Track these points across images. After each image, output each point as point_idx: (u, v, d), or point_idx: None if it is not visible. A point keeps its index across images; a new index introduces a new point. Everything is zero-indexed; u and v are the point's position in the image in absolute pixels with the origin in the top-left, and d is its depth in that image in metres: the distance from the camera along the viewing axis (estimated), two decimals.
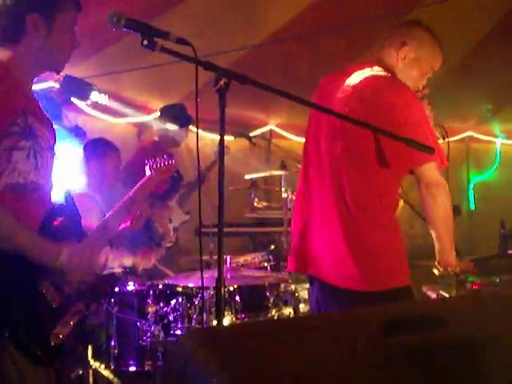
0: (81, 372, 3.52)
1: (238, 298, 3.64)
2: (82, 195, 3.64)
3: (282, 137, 6.83)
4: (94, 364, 3.52)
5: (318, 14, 5.08)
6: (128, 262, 3.86)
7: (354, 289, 2.51)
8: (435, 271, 2.60)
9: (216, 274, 1.87)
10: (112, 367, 3.60)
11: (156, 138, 5.26)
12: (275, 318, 3.71)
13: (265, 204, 5.89)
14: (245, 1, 5.05)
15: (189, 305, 3.61)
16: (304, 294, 4.27)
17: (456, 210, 2.86)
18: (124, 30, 1.90)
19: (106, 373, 3.56)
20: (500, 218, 3.67)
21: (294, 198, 3.78)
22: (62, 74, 4.70)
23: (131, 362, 3.65)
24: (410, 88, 2.68)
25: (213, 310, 3.49)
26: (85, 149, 4.19)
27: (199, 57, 1.89)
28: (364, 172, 2.58)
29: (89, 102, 5.00)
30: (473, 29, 5.63)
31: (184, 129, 5.16)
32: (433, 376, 0.96)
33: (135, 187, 2.74)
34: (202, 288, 3.44)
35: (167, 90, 5.64)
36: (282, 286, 3.89)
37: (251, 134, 5.74)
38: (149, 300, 3.62)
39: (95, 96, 4.86)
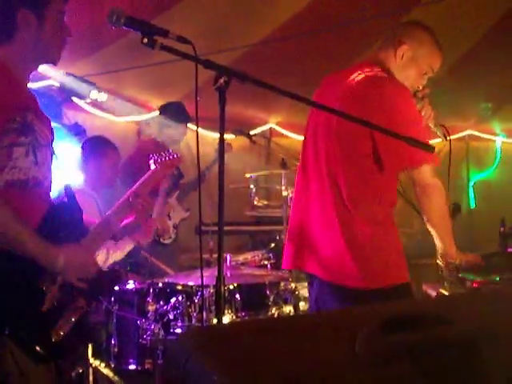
0: (81, 370, 3.53)
1: (237, 296, 3.64)
2: (80, 191, 3.64)
3: (282, 135, 6.83)
4: (94, 362, 3.53)
5: (318, 13, 5.07)
6: (130, 247, 3.85)
7: (352, 286, 2.52)
8: (438, 262, 2.70)
9: (216, 273, 1.87)
10: (112, 365, 3.60)
11: (155, 137, 5.26)
12: (275, 316, 3.71)
13: (265, 202, 5.89)
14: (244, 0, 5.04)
15: (189, 303, 3.61)
16: (304, 292, 4.27)
17: (456, 208, 2.88)
18: (124, 28, 1.90)
19: (106, 371, 3.56)
20: (500, 216, 3.67)
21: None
22: (62, 71, 4.71)
23: (131, 361, 3.65)
24: (409, 87, 2.69)
25: (213, 308, 3.49)
26: (83, 147, 4.19)
27: (199, 55, 1.89)
28: (360, 170, 2.60)
29: (88, 100, 5.01)
30: (472, 27, 5.62)
31: (183, 127, 5.15)
32: (432, 374, 0.96)
33: (139, 181, 2.74)
34: (202, 286, 3.44)
35: (167, 89, 5.63)
36: (282, 284, 3.89)
37: (251, 133, 5.73)
38: (149, 298, 3.62)
39: (95, 94, 4.86)
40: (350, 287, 2.52)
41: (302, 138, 2.95)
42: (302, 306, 4.10)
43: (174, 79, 5.23)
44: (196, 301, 3.60)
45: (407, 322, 1.04)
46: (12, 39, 2.14)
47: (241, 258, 4.74)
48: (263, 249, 5.18)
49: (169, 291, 3.68)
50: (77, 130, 4.70)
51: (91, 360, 3.50)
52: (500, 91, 6.54)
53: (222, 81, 1.87)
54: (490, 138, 7.81)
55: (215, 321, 2.13)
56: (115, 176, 4.30)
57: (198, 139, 1.99)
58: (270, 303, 3.75)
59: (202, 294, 3.55)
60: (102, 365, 3.58)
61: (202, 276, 2.20)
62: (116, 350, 3.62)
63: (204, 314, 3.56)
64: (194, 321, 3.58)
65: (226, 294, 3.58)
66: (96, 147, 4.19)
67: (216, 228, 1.89)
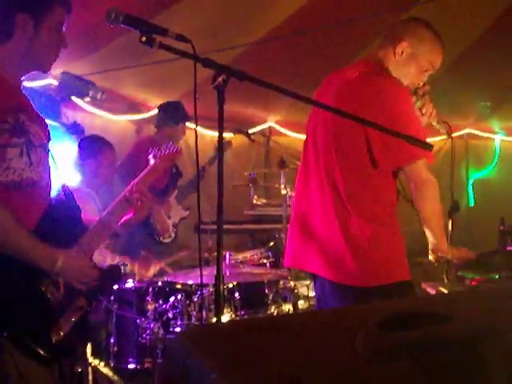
0: (80, 369, 3.52)
1: (237, 294, 3.64)
2: (78, 190, 3.63)
3: (281, 134, 6.83)
4: (94, 361, 3.52)
5: (318, 12, 5.07)
6: (128, 268, 3.87)
7: (353, 284, 2.52)
8: (430, 257, 2.68)
9: (215, 271, 1.87)
10: (112, 364, 3.61)
11: (154, 135, 5.25)
12: (274, 314, 3.72)
13: (264, 201, 5.89)
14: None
15: (188, 302, 3.62)
16: (303, 291, 4.28)
17: (455, 206, 2.88)
18: (122, 26, 1.89)
19: (106, 370, 3.56)
20: (499, 214, 3.67)
21: (293, 194, 3.79)
22: (61, 71, 4.71)
23: (131, 360, 3.65)
24: (409, 84, 2.68)
25: (212, 307, 3.49)
26: (79, 146, 4.18)
27: (198, 54, 1.88)
28: (357, 169, 2.60)
29: (87, 99, 5.00)
30: (472, 26, 5.62)
31: (181, 126, 5.15)
32: (432, 372, 0.96)
33: (139, 176, 2.73)
34: (201, 285, 3.44)
35: (166, 88, 5.63)
36: (281, 282, 3.90)
37: (250, 131, 5.73)
38: (148, 297, 3.62)
39: (94, 93, 4.86)
40: (350, 285, 2.53)
41: (301, 136, 2.96)
42: (301, 304, 4.11)
43: (173, 78, 5.23)
44: (195, 299, 3.60)
45: (407, 320, 1.04)
46: (7, 42, 2.13)
47: (240, 256, 4.74)
48: (262, 247, 5.18)
49: (168, 290, 3.68)
50: (76, 129, 4.69)
51: (90, 359, 3.49)
52: (499, 89, 6.54)
53: (220, 79, 1.86)
54: (489, 136, 7.81)
55: (214, 319, 2.13)
56: (112, 174, 4.30)
57: (197, 138, 1.99)
58: (269, 302, 3.76)
59: (202, 293, 3.55)
60: (102, 364, 3.57)
61: (201, 275, 2.19)
62: (115, 348, 3.62)
63: (203, 312, 3.56)
64: (193, 319, 3.59)
65: (226, 293, 3.58)
66: (92, 146, 4.18)
67: (215, 226, 1.89)
